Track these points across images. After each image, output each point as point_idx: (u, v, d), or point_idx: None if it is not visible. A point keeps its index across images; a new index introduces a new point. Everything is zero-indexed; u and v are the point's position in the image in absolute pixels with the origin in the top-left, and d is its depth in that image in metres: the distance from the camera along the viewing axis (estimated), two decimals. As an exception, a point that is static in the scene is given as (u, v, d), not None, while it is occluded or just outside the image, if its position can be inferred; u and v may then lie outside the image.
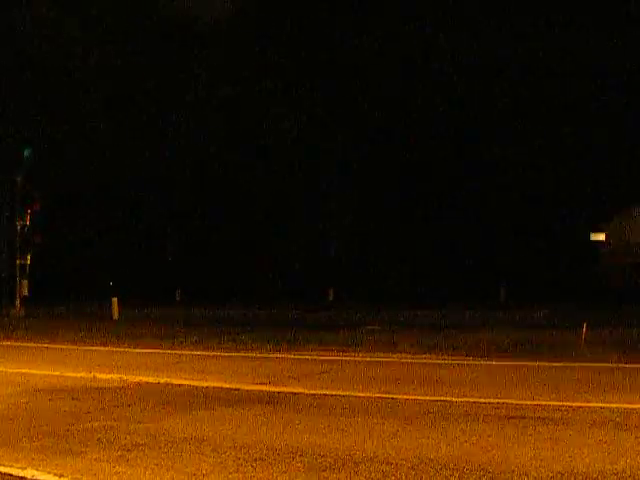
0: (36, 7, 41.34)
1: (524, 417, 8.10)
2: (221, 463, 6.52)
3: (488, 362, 13.14)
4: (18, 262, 32.46)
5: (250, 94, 40.16)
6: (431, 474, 6.04)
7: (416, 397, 9.51)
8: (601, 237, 28.52)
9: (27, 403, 9.86)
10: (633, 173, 35.04)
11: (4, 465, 6.60)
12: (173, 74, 42.47)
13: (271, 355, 15.10)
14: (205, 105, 41.09)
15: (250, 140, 41.17)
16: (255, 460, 6.58)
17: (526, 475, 5.95)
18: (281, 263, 45.15)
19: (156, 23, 42.24)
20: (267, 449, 6.95)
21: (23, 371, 13.22)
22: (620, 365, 12.24)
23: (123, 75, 42.23)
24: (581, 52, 35.46)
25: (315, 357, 14.57)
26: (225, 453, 6.85)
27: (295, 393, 10.11)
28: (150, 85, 42.30)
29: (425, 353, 14.40)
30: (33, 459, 6.80)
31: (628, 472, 5.97)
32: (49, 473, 6.36)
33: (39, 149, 39.37)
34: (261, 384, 11.00)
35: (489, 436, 7.26)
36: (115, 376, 12.12)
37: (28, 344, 18.87)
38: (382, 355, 14.42)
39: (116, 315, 26.75)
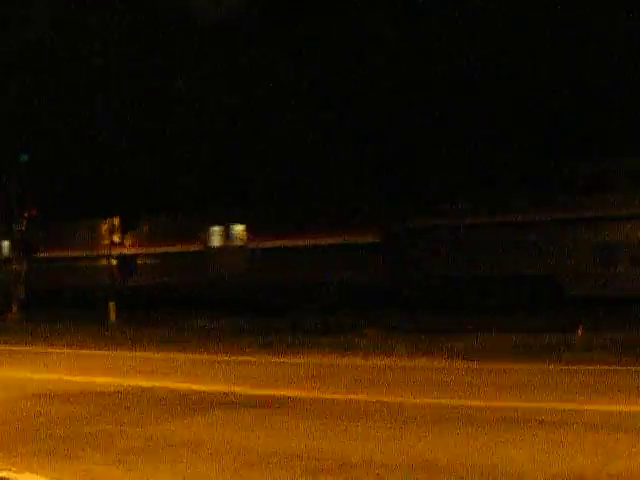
0: (35, 10, 41.38)
1: (520, 420, 8.13)
2: (218, 467, 6.54)
3: (484, 365, 13.16)
4: (14, 266, 32.44)
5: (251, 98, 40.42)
6: (427, 477, 6.06)
7: (412, 400, 9.54)
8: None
9: (24, 407, 9.87)
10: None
11: (1, 469, 6.61)
12: (174, 76, 42.66)
13: (267, 359, 15.11)
14: (209, 110, 41.29)
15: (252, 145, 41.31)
16: (252, 464, 6.60)
17: (522, 478, 5.98)
18: None
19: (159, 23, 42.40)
20: (264, 453, 6.97)
21: (20, 375, 13.23)
22: (616, 367, 12.27)
23: (123, 77, 42.35)
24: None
25: (311, 361, 14.58)
26: (222, 457, 6.87)
27: (291, 397, 10.12)
28: (152, 87, 42.43)
29: (421, 357, 14.42)
30: (30, 463, 6.82)
31: (625, 474, 6.00)
32: (46, 477, 6.38)
33: (36, 153, 39.37)
34: (258, 388, 11.02)
35: (485, 439, 7.29)
36: (112, 380, 12.14)
37: (25, 348, 18.87)
38: (378, 359, 14.43)
39: (113, 319, 26.73)
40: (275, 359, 15.07)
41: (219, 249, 33.27)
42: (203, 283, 32.72)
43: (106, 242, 35.90)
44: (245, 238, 32.78)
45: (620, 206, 26.56)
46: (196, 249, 33.44)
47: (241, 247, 32.88)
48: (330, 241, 29.93)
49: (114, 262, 35.84)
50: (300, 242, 30.92)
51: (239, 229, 33.15)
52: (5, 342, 20.38)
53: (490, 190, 28.15)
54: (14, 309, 31.01)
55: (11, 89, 40.86)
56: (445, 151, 34.00)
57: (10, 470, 6.59)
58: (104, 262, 36.02)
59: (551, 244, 26.96)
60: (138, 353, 17.03)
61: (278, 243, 31.71)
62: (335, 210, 30.65)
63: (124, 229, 36.05)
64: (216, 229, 33.58)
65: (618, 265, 26.29)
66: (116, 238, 35.71)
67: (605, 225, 26.63)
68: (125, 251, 35.55)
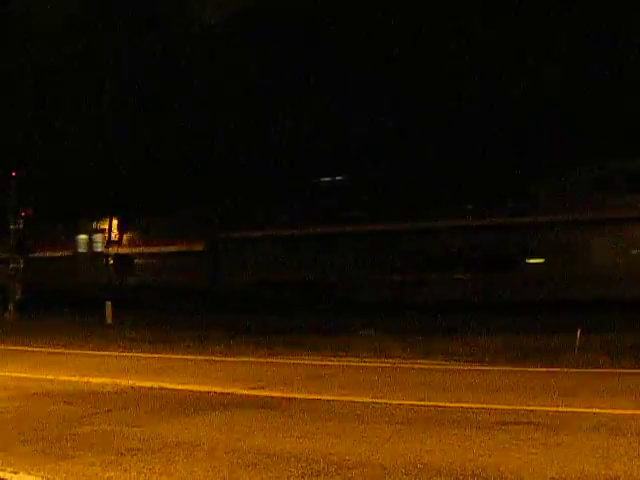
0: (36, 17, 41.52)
1: (517, 422, 8.11)
2: (214, 468, 6.51)
3: (481, 367, 13.16)
4: (11, 265, 32.39)
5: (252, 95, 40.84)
6: (424, 479, 6.05)
7: (409, 402, 9.52)
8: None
9: (20, 407, 9.84)
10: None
11: (-3, 469, 6.59)
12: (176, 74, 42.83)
13: (265, 360, 15.09)
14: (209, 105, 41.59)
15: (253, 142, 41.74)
16: (248, 465, 6.58)
17: (519, 480, 5.97)
18: None
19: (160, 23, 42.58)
20: (260, 454, 6.95)
21: (16, 375, 13.19)
22: (613, 370, 12.27)
23: (122, 76, 42.44)
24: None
25: (308, 362, 14.56)
26: (218, 458, 6.85)
27: (289, 398, 10.10)
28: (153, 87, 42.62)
29: (418, 358, 14.40)
30: (26, 463, 6.79)
31: (622, 478, 5.99)
32: (42, 478, 6.36)
33: (35, 153, 39.45)
34: (255, 389, 11.00)
35: (482, 441, 7.27)
36: (108, 380, 12.11)
37: (21, 348, 18.82)
38: (375, 360, 14.42)
39: (110, 319, 26.67)
40: (271, 359, 15.05)
41: (85, 255, 39.94)
42: (75, 284, 38.96)
43: (101, 241, 38.96)
44: (103, 245, 39.49)
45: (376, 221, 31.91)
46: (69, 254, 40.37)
47: (100, 253, 39.64)
48: (172, 249, 35.96)
49: (110, 261, 38.59)
50: (147, 249, 37.50)
51: (99, 237, 39.82)
52: (1, 341, 20.33)
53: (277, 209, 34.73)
54: (11, 308, 30.95)
55: (14, 92, 41.05)
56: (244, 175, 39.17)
57: (5, 470, 6.56)
58: (102, 261, 39.22)
59: (324, 254, 32.81)
60: (134, 353, 17.00)
61: (128, 250, 38.19)
62: (179, 221, 36.97)
63: (121, 228, 38.42)
64: (82, 237, 40.24)
65: (375, 274, 31.48)
66: (113, 237, 38.54)
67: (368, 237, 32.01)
68: (122, 250, 38.61)
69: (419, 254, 32.04)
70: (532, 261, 29.95)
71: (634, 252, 28.53)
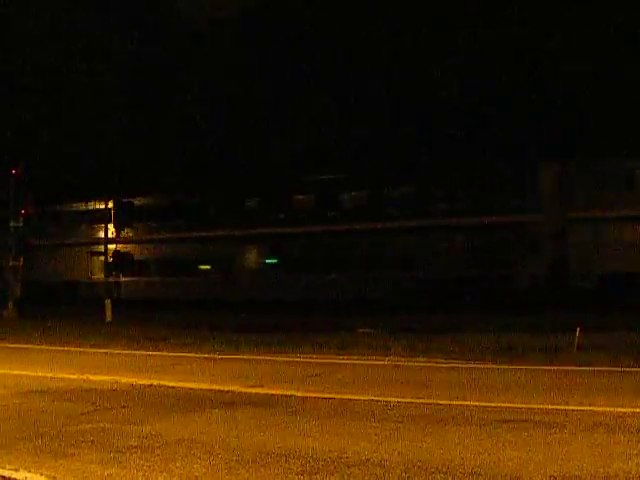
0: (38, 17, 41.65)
1: (517, 421, 8.12)
2: (214, 465, 6.52)
3: (481, 365, 13.16)
4: (11, 263, 32.39)
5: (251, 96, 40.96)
6: (423, 477, 6.05)
7: (409, 400, 9.53)
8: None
9: (20, 404, 9.85)
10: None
11: (-4, 467, 6.59)
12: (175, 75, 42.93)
13: (264, 358, 15.09)
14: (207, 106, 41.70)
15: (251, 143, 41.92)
16: (248, 462, 6.59)
17: (518, 479, 5.97)
18: None
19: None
20: (260, 452, 6.95)
21: (16, 372, 13.20)
22: (612, 369, 12.28)
23: (123, 76, 42.53)
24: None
25: (308, 360, 14.56)
26: (218, 455, 6.85)
27: (288, 396, 10.11)
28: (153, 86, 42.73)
29: (418, 356, 14.41)
30: (26, 461, 6.80)
31: (621, 476, 5.99)
32: (42, 475, 6.36)
33: (34, 150, 39.46)
34: (254, 387, 11.00)
35: (482, 439, 7.28)
36: (108, 378, 12.12)
37: (21, 346, 18.83)
38: (375, 358, 14.42)
39: (109, 317, 26.69)
40: (272, 357, 15.05)
41: None
42: None
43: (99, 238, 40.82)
44: None
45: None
46: None
47: None
48: None
49: (109, 258, 40.48)
50: None
51: None
52: (1, 339, 20.34)
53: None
54: (10, 306, 30.96)
55: (14, 91, 41.16)
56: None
57: (5, 468, 6.56)
58: (101, 258, 41.42)
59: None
60: (134, 351, 17.01)
61: None
62: None
63: (119, 225, 40.21)
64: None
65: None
66: (110, 233, 40.08)
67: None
68: (120, 247, 40.77)
69: (133, 261, 40.61)
70: (203, 267, 38.37)
71: (263, 262, 37.19)
